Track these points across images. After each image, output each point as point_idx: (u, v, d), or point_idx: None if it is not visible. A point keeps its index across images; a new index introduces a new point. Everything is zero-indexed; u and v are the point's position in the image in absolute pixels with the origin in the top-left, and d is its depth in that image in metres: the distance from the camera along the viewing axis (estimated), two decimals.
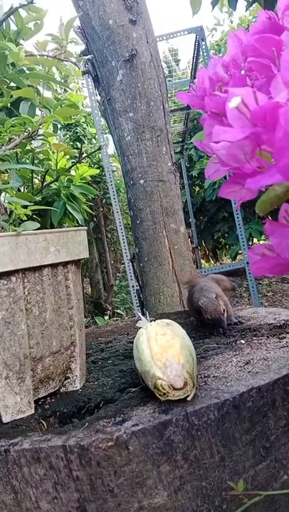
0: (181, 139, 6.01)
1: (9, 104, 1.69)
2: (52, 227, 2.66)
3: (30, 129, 1.00)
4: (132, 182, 1.65)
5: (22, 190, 1.45)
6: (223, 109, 0.62)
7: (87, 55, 1.29)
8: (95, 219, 5.18)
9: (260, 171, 0.51)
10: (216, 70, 0.69)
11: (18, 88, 1.12)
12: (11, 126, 1.02)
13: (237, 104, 0.42)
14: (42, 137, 1.06)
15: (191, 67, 4.28)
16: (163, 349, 0.75)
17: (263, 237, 6.03)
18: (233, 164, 0.51)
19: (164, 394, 0.71)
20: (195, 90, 0.72)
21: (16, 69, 0.86)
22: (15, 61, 0.84)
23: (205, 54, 3.49)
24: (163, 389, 0.70)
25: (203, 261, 8.13)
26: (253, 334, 1.07)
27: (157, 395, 0.72)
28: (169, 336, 0.79)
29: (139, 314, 1.00)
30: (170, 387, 0.70)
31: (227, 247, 7.03)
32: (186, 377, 0.70)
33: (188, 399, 0.69)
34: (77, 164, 2.01)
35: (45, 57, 0.91)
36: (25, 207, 0.86)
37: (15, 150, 0.95)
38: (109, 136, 5.28)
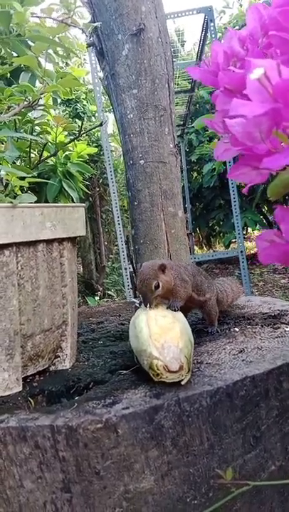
0: (182, 123, 5.92)
1: (8, 75, 1.62)
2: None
3: (30, 97, 0.96)
4: (131, 162, 1.61)
5: (18, 164, 1.41)
6: (237, 85, 0.59)
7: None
8: (90, 198, 5.11)
9: (274, 152, 0.49)
10: (232, 44, 0.65)
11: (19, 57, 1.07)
12: (11, 95, 0.98)
13: (259, 76, 0.39)
14: (42, 107, 1.02)
15: (197, 48, 4.18)
16: (162, 330, 0.73)
17: (257, 227, 6.02)
18: (247, 143, 0.48)
19: (158, 375, 0.69)
20: (207, 65, 0.68)
21: (21, 29, 0.82)
22: (19, 22, 0.79)
23: (213, 35, 3.40)
24: (158, 369, 0.69)
25: (196, 247, 8.13)
26: (247, 322, 1.06)
27: (151, 375, 0.70)
28: (169, 319, 0.77)
29: (132, 298, 0.96)
30: (165, 369, 0.68)
31: (221, 234, 7.02)
32: (182, 361, 0.69)
33: (183, 383, 0.68)
34: (76, 141, 1.96)
35: (52, 20, 0.86)
36: (23, 179, 0.82)
37: (14, 118, 0.91)
38: (110, 115, 5.17)
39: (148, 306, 0.80)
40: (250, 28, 0.64)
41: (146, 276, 0.82)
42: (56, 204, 0.78)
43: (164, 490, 0.65)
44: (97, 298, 4.30)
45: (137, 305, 0.88)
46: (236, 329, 1.00)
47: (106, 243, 5.47)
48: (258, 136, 0.46)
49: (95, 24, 0.94)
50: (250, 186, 0.63)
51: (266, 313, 1.12)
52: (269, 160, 0.42)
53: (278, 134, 0.47)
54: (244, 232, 5.84)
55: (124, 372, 0.81)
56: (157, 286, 0.82)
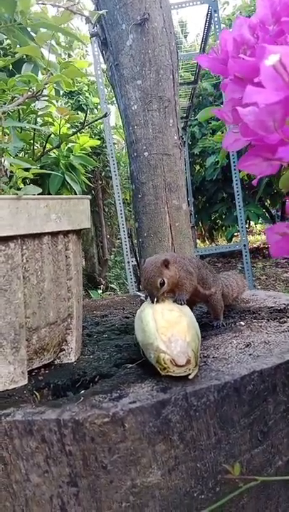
0: (185, 115, 5.88)
1: (11, 66, 1.60)
2: None
3: (34, 88, 0.94)
4: (135, 154, 1.60)
5: (21, 156, 1.39)
6: (248, 73, 0.57)
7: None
8: (93, 191, 5.10)
9: (287, 142, 0.48)
10: (242, 32, 0.64)
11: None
12: (14, 85, 0.96)
13: (274, 63, 0.38)
14: (46, 98, 1.00)
15: (201, 39, 4.14)
16: (169, 324, 0.73)
17: (260, 220, 6.00)
18: (259, 132, 0.46)
19: (165, 369, 0.68)
20: (216, 53, 0.67)
21: (24, 18, 0.80)
22: (24, 8, 0.78)
23: (217, 27, 3.36)
24: (165, 363, 0.68)
25: (198, 241, 8.11)
26: (253, 316, 1.05)
27: (158, 369, 0.69)
28: (176, 313, 0.76)
29: (136, 292, 0.94)
30: (172, 363, 0.68)
31: (223, 228, 7.00)
32: (189, 355, 0.68)
33: (190, 377, 0.67)
34: (78, 134, 1.94)
35: (56, 10, 0.84)
36: (27, 170, 0.81)
37: (18, 108, 0.89)
38: (112, 107, 5.14)
39: (154, 302, 0.79)
40: (261, 15, 0.62)
41: (151, 273, 0.81)
42: (61, 196, 0.77)
43: (171, 484, 0.64)
44: (99, 291, 4.30)
45: (143, 298, 0.87)
46: (242, 323, 1.00)
47: (108, 236, 5.46)
48: (271, 125, 0.45)
49: (101, 12, 0.92)
50: (259, 179, 0.62)
51: (272, 307, 1.11)
52: (284, 150, 0.41)
53: None
54: (246, 226, 5.81)
55: (130, 365, 0.80)
56: (163, 283, 0.81)
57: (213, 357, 0.79)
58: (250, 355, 0.77)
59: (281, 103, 0.41)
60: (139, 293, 0.90)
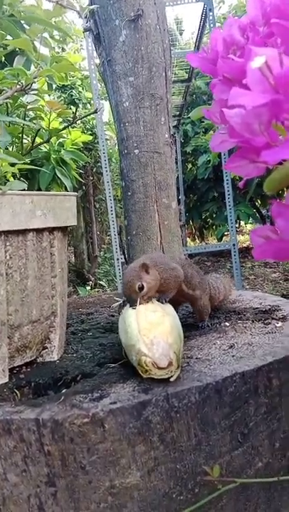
0: (178, 113, 5.86)
1: (3, 58, 1.58)
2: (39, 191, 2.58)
3: (23, 81, 0.93)
4: (126, 151, 1.58)
5: (10, 149, 1.37)
6: (237, 74, 0.57)
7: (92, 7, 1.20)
8: (83, 187, 5.06)
9: (272, 146, 0.47)
10: (232, 32, 0.63)
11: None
12: (3, 78, 0.95)
13: (260, 65, 0.38)
14: (36, 92, 0.99)
15: (196, 38, 4.13)
16: (152, 325, 0.72)
17: (250, 220, 6.02)
18: (245, 135, 0.46)
19: (147, 371, 0.68)
20: (206, 52, 0.66)
21: (14, 10, 0.78)
22: (12, 1, 0.76)
23: (212, 25, 3.35)
24: (146, 366, 0.68)
25: (188, 239, 8.12)
26: (238, 317, 1.05)
27: (139, 371, 0.69)
28: (159, 314, 0.75)
29: (115, 297, 0.92)
30: (154, 365, 0.67)
31: (214, 227, 7.02)
32: (171, 358, 0.67)
33: (172, 379, 0.67)
34: (70, 128, 1.92)
35: (49, 2, 0.83)
36: (13, 165, 0.80)
37: (5, 101, 0.88)
38: (105, 102, 5.10)
39: (133, 307, 0.78)
40: (252, 15, 0.62)
41: (129, 278, 0.79)
42: (47, 192, 0.76)
43: (150, 485, 0.64)
44: (88, 288, 4.28)
45: (121, 302, 0.86)
46: (227, 324, 1.00)
47: (98, 233, 5.44)
48: (257, 128, 0.45)
49: (92, 7, 0.91)
50: (247, 180, 0.61)
51: (257, 308, 1.12)
52: (268, 153, 0.40)
53: (277, 127, 0.46)
54: (237, 226, 5.84)
55: (113, 365, 0.80)
56: (141, 288, 0.79)
57: (197, 358, 0.78)
58: (233, 356, 0.77)
59: (267, 106, 0.41)
60: (117, 298, 0.89)
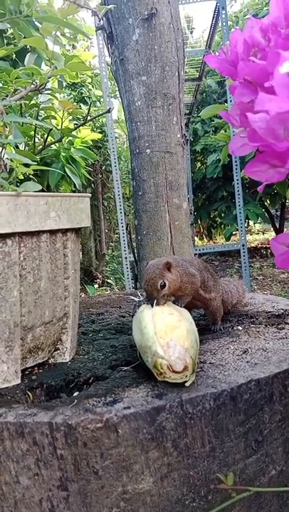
0: (188, 111, 5.84)
1: (14, 56, 1.58)
2: (48, 189, 2.57)
3: (38, 81, 0.92)
4: (137, 151, 1.58)
5: (22, 149, 1.37)
6: (258, 77, 0.56)
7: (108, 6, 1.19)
8: (92, 185, 5.07)
9: None
10: (253, 33, 0.62)
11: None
12: (17, 78, 0.94)
13: None
14: (49, 92, 0.98)
15: (207, 36, 4.10)
16: (168, 328, 0.71)
17: (259, 220, 5.98)
18: (268, 139, 0.45)
19: (161, 374, 0.67)
20: (225, 54, 0.65)
21: (30, 10, 0.78)
22: (30, 0, 0.76)
23: (224, 23, 3.33)
24: (162, 368, 0.67)
25: (197, 238, 8.11)
26: (251, 321, 1.04)
27: (154, 373, 0.68)
28: (176, 317, 0.75)
29: (130, 296, 0.92)
30: (169, 368, 0.67)
31: (222, 226, 6.99)
32: (187, 362, 0.67)
33: (187, 384, 0.66)
34: (80, 127, 1.91)
35: (62, 2, 0.82)
36: (27, 165, 0.79)
37: (20, 102, 0.87)
38: (115, 100, 5.09)
39: (154, 305, 0.77)
40: (273, 17, 0.60)
41: (152, 275, 0.79)
42: (61, 193, 0.76)
43: (163, 492, 0.63)
44: (96, 286, 4.29)
45: (135, 299, 0.86)
46: (239, 328, 0.99)
47: (106, 231, 5.44)
48: (282, 133, 0.44)
49: (109, 7, 0.90)
50: (265, 185, 0.60)
51: (270, 311, 1.11)
52: None
53: None
54: (245, 225, 5.80)
55: (126, 368, 0.79)
56: (163, 286, 0.79)
57: (210, 363, 0.78)
58: (247, 362, 0.76)
59: None
60: (132, 296, 0.89)
